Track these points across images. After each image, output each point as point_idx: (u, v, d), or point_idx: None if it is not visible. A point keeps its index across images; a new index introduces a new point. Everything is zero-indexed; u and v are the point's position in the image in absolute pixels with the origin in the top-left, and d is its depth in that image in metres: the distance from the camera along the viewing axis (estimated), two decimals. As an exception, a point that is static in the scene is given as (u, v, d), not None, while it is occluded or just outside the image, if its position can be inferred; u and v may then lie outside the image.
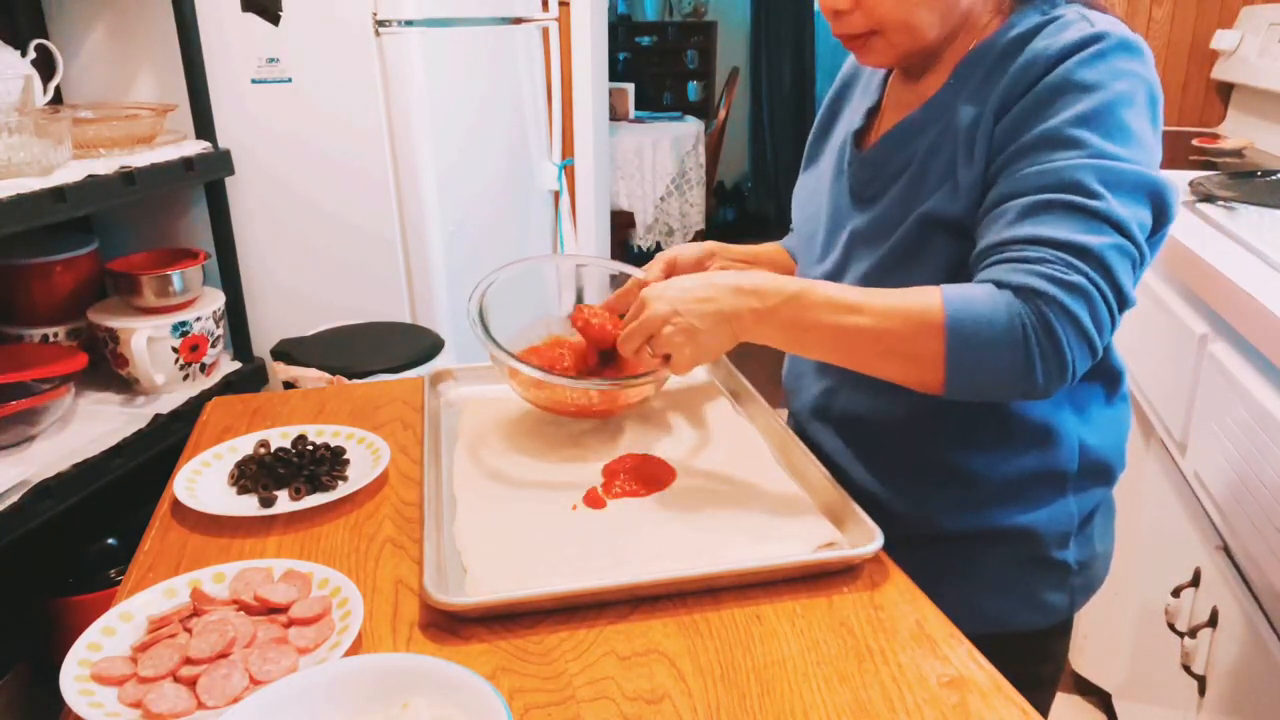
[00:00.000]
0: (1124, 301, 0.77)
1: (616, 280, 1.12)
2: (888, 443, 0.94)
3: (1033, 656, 0.97)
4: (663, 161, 4.10)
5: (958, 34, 0.89)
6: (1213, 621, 1.27)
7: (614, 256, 3.48)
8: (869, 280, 0.91)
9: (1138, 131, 0.79)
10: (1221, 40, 2.34)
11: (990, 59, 0.86)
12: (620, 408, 1.04)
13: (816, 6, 4.79)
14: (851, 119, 1.03)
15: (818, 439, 1.01)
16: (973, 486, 0.92)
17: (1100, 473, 0.95)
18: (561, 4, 2.58)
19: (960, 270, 0.86)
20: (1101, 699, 1.80)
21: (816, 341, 0.82)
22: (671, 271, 1.07)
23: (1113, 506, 1.00)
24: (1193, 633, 1.31)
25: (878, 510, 0.86)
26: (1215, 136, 2.34)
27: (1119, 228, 0.76)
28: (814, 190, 1.06)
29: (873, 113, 1.00)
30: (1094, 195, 0.76)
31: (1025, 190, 0.79)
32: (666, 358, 0.85)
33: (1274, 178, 1.83)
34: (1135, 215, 0.77)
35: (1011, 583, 0.94)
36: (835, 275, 0.96)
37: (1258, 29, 2.22)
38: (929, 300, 0.78)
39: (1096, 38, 0.80)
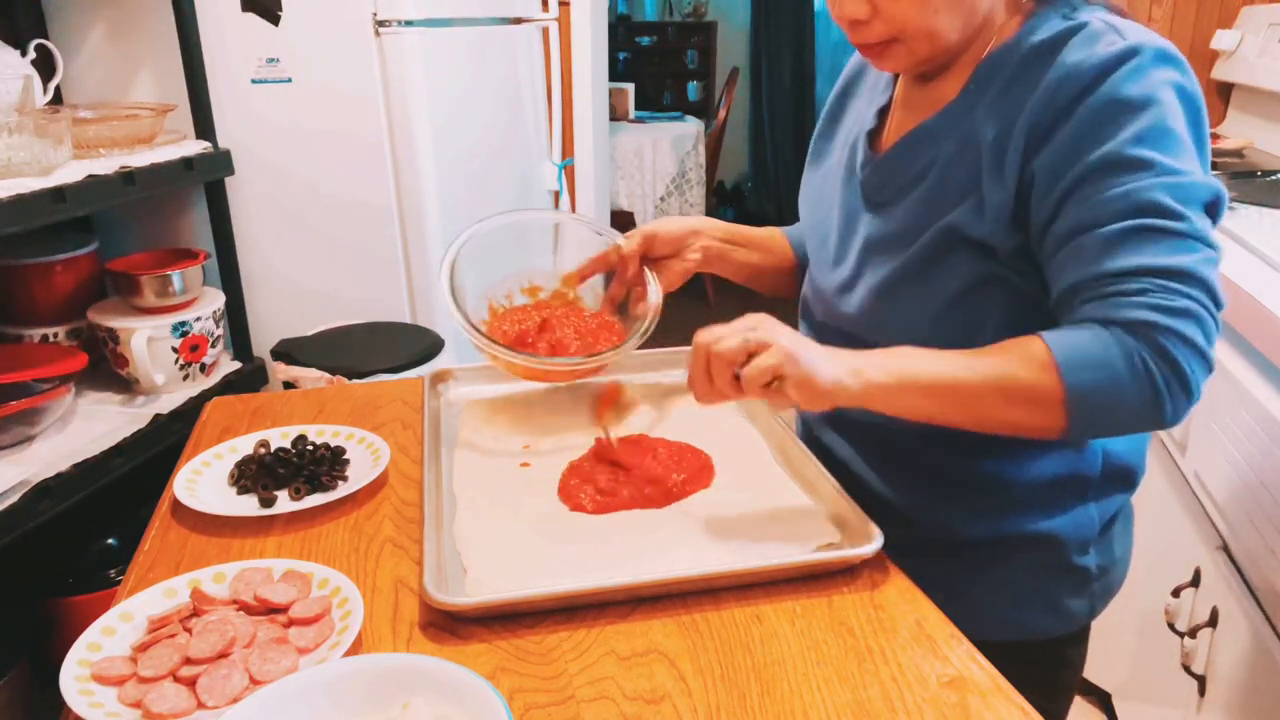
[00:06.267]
0: (1221, 308, 0.76)
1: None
2: (903, 449, 0.92)
3: (1052, 663, 0.96)
4: (663, 161, 4.10)
5: (976, 36, 0.86)
6: (1213, 621, 1.27)
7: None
8: (886, 288, 0.89)
9: (1188, 142, 0.77)
10: (1221, 40, 2.34)
11: (1011, 65, 0.83)
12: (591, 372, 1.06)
13: (817, 6, 4.74)
14: (861, 117, 1.00)
15: (830, 445, 0.99)
16: (993, 492, 0.90)
17: (1122, 478, 0.93)
18: (561, 4, 2.58)
19: (981, 285, 0.84)
20: (1101, 699, 1.80)
21: (924, 391, 0.77)
22: (650, 246, 1.06)
23: (1132, 511, 0.99)
24: (1193, 633, 1.31)
25: (893, 516, 0.84)
26: (1215, 136, 2.34)
27: (1204, 241, 0.75)
28: (822, 190, 1.04)
29: (883, 112, 0.98)
30: (1176, 216, 0.74)
31: (1101, 220, 0.76)
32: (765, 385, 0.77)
33: (1274, 178, 1.83)
34: (1208, 225, 0.76)
35: (1032, 589, 0.93)
36: (851, 282, 0.94)
37: (1258, 29, 2.22)
38: (1031, 343, 0.76)
39: (1133, 51, 0.77)
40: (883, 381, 0.77)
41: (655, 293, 1.07)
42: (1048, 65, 0.80)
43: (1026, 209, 0.81)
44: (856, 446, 0.97)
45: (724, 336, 0.78)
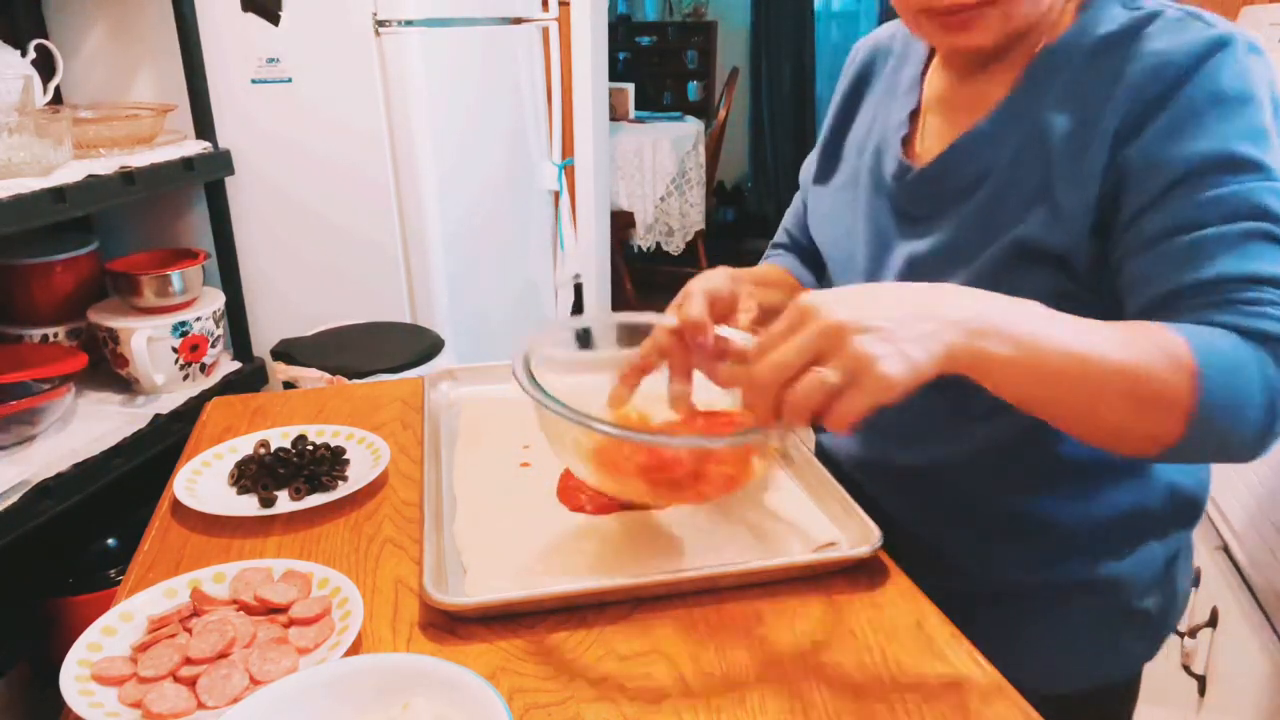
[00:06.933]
0: None
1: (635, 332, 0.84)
2: (948, 490, 0.85)
3: (1108, 712, 0.91)
4: (663, 161, 4.09)
5: (1042, 20, 0.78)
6: (1213, 621, 1.27)
7: (614, 256, 3.47)
8: None
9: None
10: (1221, 40, 2.34)
11: (1076, 58, 0.77)
12: (718, 487, 0.75)
13: (817, 6, 4.72)
14: (881, 124, 0.92)
15: (861, 483, 0.90)
16: (1048, 535, 0.83)
17: (1187, 511, 0.87)
18: (561, 4, 2.58)
19: (1055, 306, 0.71)
20: (1101, 699, 1.80)
21: (1049, 370, 0.62)
22: (715, 305, 0.81)
23: (1192, 546, 0.92)
24: (1193, 633, 1.31)
25: (937, 562, 0.79)
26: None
27: None
28: (837, 206, 0.95)
29: (911, 117, 0.89)
30: None
31: (1209, 220, 0.68)
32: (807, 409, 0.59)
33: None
34: None
35: (1091, 638, 0.86)
36: None
37: (1258, 29, 2.22)
38: (1169, 335, 0.64)
39: (1225, 40, 0.71)
40: (1005, 357, 0.61)
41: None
42: (1127, 55, 0.74)
43: (1110, 213, 0.73)
44: (892, 488, 0.89)
45: (778, 362, 0.60)
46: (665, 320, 0.81)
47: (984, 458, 0.82)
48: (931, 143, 0.87)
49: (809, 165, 1.06)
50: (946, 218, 0.82)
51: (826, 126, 1.02)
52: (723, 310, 0.82)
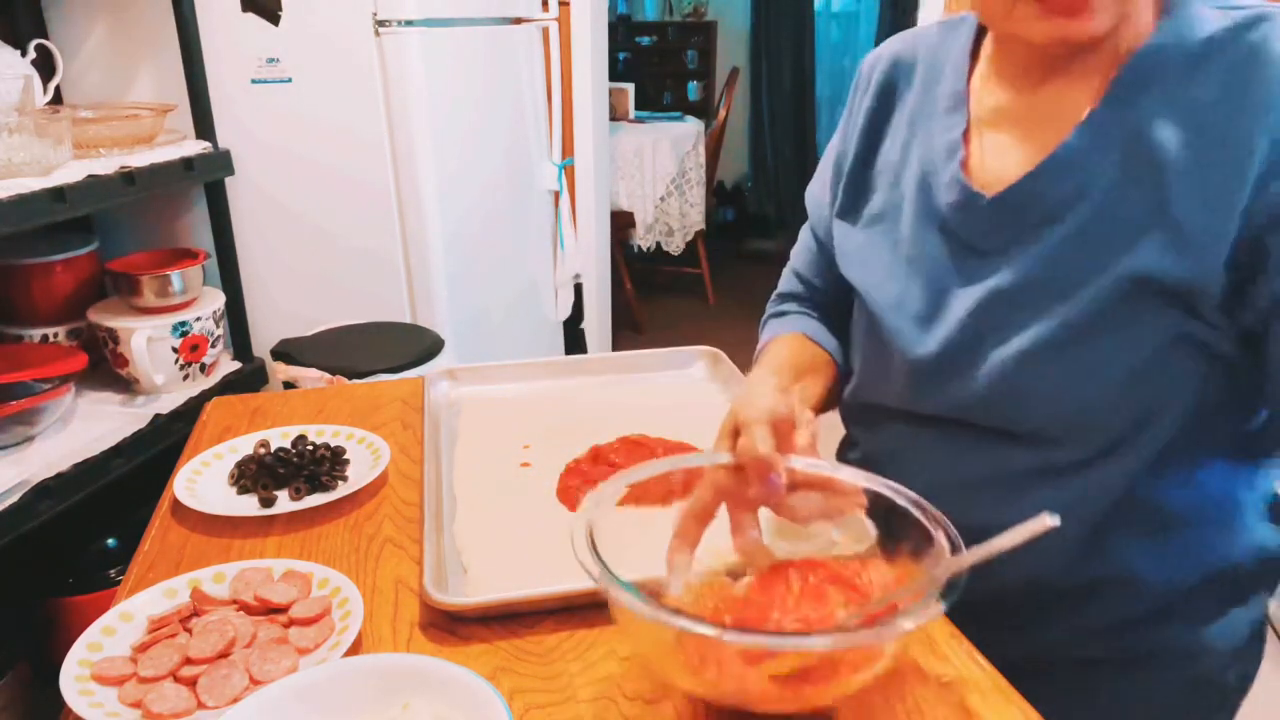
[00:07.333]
0: None
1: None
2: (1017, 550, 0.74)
3: None
4: (663, 161, 4.09)
5: (1122, 21, 0.70)
6: (1213, 621, 1.27)
7: (614, 256, 3.47)
8: (1037, 354, 0.72)
9: None
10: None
11: (1174, 63, 0.69)
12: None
13: (817, 6, 4.71)
14: (923, 147, 0.82)
15: None
16: (1132, 598, 0.76)
17: (1272, 573, 0.80)
18: (561, 4, 2.58)
19: (1170, 351, 0.68)
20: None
21: None
22: (775, 426, 0.68)
23: (1266, 604, 0.84)
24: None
25: (993, 627, 0.70)
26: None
27: None
28: (871, 241, 0.86)
29: (964, 137, 0.80)
30: None
31: None
32: None
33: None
34: None
35: (1160, 714, 0.79)
36: (963, 352, 0.76)
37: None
38: None
39: None
40: None
41: (848, 474, 0.69)
42: (1251, 61, 0.66)
43: (1256, 248, 0.65)
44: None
45: None
46: (718, 458, 0.69)
47: (1066, 517, 0.72)
48: (997, 164, 0.77)
49: (822, 197, 0.96)
50: (1028, 248, 0.73)
51: (846, 154, 0.91)
52: (783, 434, 0.69)
